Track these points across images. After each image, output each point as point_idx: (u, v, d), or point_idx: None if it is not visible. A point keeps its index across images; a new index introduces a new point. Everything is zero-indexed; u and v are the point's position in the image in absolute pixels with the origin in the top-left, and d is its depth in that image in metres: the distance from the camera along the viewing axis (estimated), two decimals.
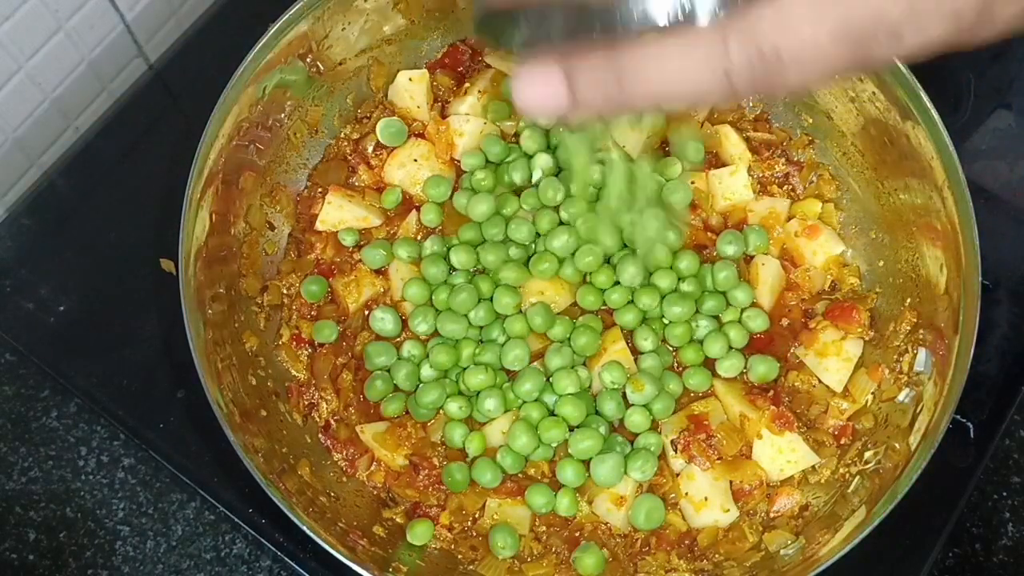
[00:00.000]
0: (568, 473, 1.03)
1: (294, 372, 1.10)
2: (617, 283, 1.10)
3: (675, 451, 1.05)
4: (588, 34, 0.58)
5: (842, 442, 1.06)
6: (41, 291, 1.18)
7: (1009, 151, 1.29)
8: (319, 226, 1.15)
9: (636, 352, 1.10)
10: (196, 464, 1.09)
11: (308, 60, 1.12)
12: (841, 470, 1.04)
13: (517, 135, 1.17)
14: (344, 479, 1.06)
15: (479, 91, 1.18)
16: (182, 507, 1.12)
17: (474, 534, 1.04)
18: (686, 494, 1.04)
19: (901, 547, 1.08)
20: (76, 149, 1.26)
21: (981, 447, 1.12)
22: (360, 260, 1.14)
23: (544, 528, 1.04)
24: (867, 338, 1.09)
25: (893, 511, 0.91)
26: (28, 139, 1.21)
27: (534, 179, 1.14)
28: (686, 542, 1.03)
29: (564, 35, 0.61)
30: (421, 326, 1.09)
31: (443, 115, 1.19)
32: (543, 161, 1.13)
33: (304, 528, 0.90)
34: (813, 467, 1.05)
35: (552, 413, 1.06)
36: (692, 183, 1.15)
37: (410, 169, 1.16)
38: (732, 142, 1.18)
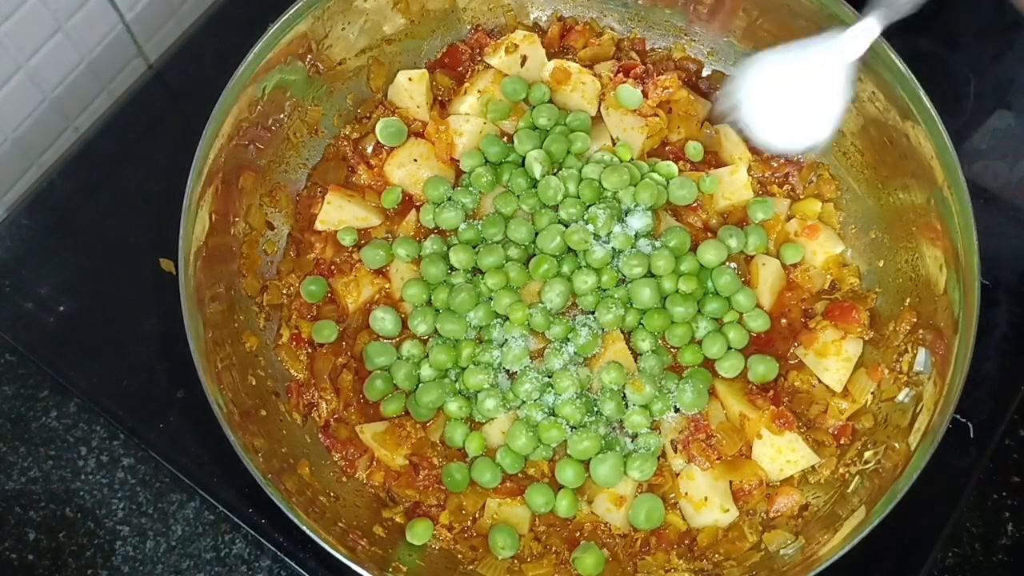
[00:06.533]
0: (568, 473, 1.03)
1: (294, 372, 1.10)
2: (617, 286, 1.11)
3: (675, 451, 1.05)
4: None
5: (842, 442, 1.05)
6: (41, 291, 1.18)
7: (1009, 151, 1.29)
8: (319, 226, 1.15)
9: (636, 353, 1.10)
10: (196, 464, 1.09)
11: (308, 60, 1.12)
12: (841, 470, 1.04)
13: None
14: (344, 479, 1.06)
15: (479, 91, 1.18)
16: (182, 507, 1.12)
17: (474, 534, 1.04)
18: (686, 494, 1.04)
19: (901, 547, 1.08)
20: (76, 149, 1.26)
21: (981, 447, 1.12)
22: (360, 260, 1.14)
23: (544, 528, 1.04)
24: (867, 338, 1.09)
25: (893, 511, 0.91)
26: (28, 139, 1.21)
27: (538, 174, 1.13)
28: (686, 542, 1.03)
29: None
30: (421, 326, 1.09)
31: (443, 115, 1.19)
32: (540, 157, 1.13)
33: (304, 528, 0.91)
34: (813, 467, 1.05)
35: (552, 413, 1.06)
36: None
37: (410, 169, 1.16)
38: (732, 142, 1.18)
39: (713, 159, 1.19)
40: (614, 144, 1.18)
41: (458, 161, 1.17)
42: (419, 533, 1.01)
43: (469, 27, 1.24)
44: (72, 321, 1.17)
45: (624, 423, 1.06)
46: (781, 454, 1.04)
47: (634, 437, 1.06)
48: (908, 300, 1.08)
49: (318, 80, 1.15)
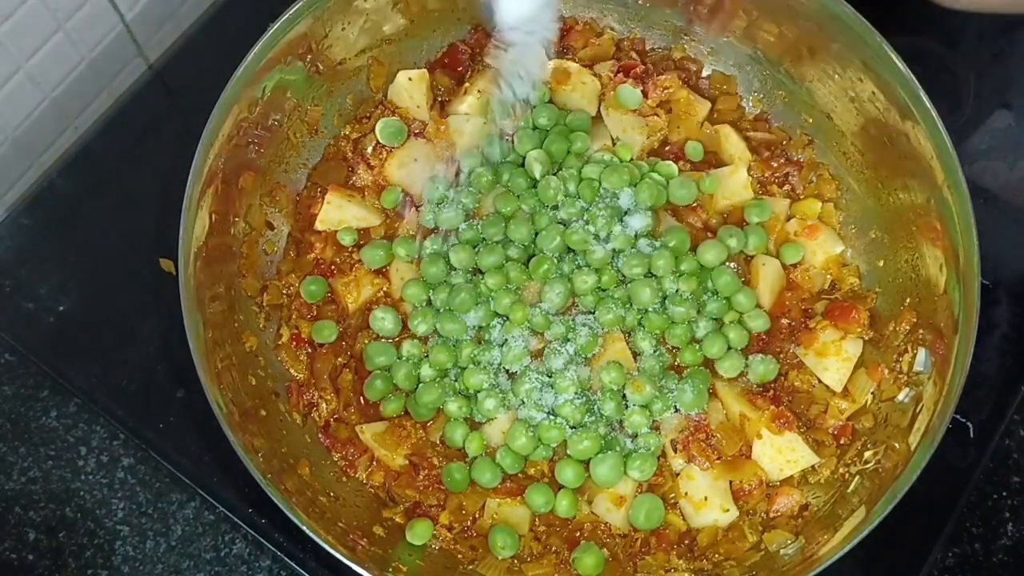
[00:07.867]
0: (568, 473, 1.03)
1: (294, 372, 1.10)
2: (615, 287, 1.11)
3: (675, 451, 1.05)
4: None
5: (842, 442, 1.06)
6: (41, 291, 1.18)
7: (1009, 151, 1.29)
8: (319, 226, 1.15)
9: (636, 353, 1.10)
10: (196, 464, 1.09)
11: (308, 60, 1.12)
12: (841, 470, 1.04)
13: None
14: (344, 479, 1.06)
15: (479, 91, 1.18)
16: (182, 507, 1.12)
17: (474, 534, 1.04)
18: (686, 494, 1.04)
19: (901, 547, 1.08)
20: (76, 149, 1.26)
21: (981, 447, 1.12)
22: (360, 260, 1.13)
23: (544, 528, 1.04)
24: (867, 338, 1.09)
25: (893, 511, 0.91)
26: (28, 139, 1.21)
27: (538, 174, 1.13)
28: (686, 542, 1.03)
29: None
30: (421, 326, 1.09)
31: (443, 115, 1.19)
32: (540, 157, 1.13)
33: (304, 528, 0.91)
34: (813, 467, 1.05)
35: (552, 413, 1.06)
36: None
37: (410, 169, 1.16)
38: (732, 142, 1.18)
39: (713, 159, 1.19)
40: (614, 144, 1.18)
41: (458, 161, 1.17)
42: (419, 533, 1.01)
43: (469, 27, 1.24)
44: (72, 321, 1.17)
45: (624, 423, 1.06)
46: (781, 454, 1.04)
47: (634, 437, 1.06)
48: (908, 300, 1.08)
49: (318, 80, 1.15)
